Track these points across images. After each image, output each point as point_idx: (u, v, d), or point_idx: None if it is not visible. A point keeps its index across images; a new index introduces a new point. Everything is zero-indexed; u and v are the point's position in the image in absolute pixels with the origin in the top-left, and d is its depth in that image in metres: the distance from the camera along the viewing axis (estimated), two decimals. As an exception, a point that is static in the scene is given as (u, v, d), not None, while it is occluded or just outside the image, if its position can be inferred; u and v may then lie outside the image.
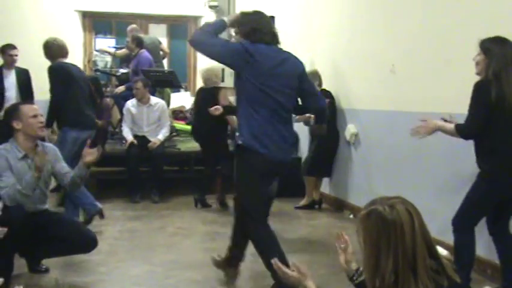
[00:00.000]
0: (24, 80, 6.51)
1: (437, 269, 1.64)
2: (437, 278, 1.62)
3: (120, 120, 6.96)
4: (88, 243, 3.54)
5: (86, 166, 3.51)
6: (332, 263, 3.39)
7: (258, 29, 3.20)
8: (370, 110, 5.32)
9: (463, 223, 3.21)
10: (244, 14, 3.33)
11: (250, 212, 3.23)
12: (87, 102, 5.07)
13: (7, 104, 6.40)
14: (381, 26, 5.11)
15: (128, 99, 6.60)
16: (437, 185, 4.20)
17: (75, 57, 8.55)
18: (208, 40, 3.13)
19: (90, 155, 3.48)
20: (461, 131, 3.16)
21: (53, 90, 4.90)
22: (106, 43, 8.48)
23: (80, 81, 5.01)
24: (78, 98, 4.91)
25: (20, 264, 3.58)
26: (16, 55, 6.45)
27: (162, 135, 6.33)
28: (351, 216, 5.55)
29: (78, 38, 8.76)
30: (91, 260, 3.94)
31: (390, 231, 1.62)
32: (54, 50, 4.95)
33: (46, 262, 3.71)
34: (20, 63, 6.67)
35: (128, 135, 6.28)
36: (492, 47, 3.08)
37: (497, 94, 2.99)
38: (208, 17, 8.96)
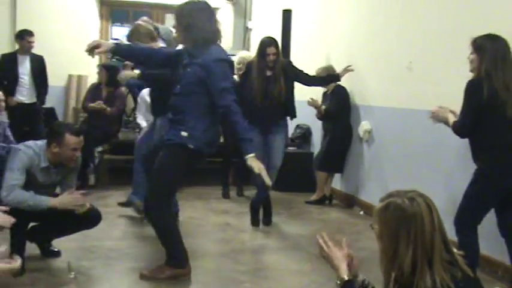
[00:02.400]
0: (39, 66, 6.56)
1: (452, 261, 1.65)
2: (452, 270, 1.63)
3: (134, 109, 6.99)
4: (91, 218, 3.49)
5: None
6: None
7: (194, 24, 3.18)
8: (384, 107, 5.30)
9: (463, 222, 3.20)
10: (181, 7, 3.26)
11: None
12: None
13: (21, 89, 6.47)
14: (398, 23, 5.08)
15: (142, 88, 6.62)
16: (450, 184, 4.18)
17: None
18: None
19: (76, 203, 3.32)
20: (456, 130, 3.20)
21: None
22: (122, 32, 8.50)
23: None
24: None
25: (31, 247, 3.62)
26: (33, 42, 6.49)
27: None
28: (362, 212, 5.55)
29: (95, 26, 8.80)
30: (103, 245, 3.99)
31: (411, 223, 1.63)
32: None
33: (59, 246, 3.76)
34: (38, 50, 6.72)
35: (142, 122, 6.31)
36: (484, 44, 3.10)
37: (488, 91, 3.01)
38: (225, 8, 8.95)
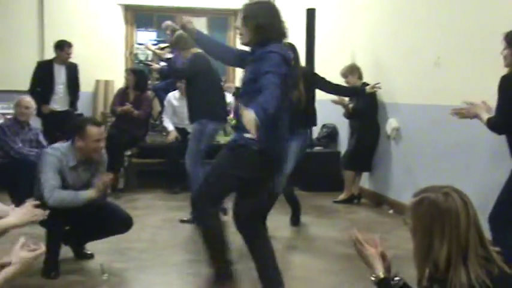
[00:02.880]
0: (73, 74, 6.63)
1: (487, 257, 1.63)
2: (488, 266, 1.61)
3: (161, 112, 7.06)
4: (124, 221, 3.59)
5: (99, 191, 3.46)
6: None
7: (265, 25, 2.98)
8: (412, 104, 5.24)
9: (499, 219, 3.15)
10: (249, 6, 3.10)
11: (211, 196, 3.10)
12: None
13: (56, 97, 6.56)
14: (424, 18, 5.02)
15: (168, 92, 6.69)
16: (482, 181, 4.11)
17: (117, 50, 8.74)
18: (272, 103, 2.76)
19: (104, 180, 3.44)
20: (492, 127, 3.12)
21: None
22: (147, 36, 8.60)
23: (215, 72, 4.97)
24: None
25: (65, 250, 3.69)
26: (71, 53, 6.54)
27: None
28: (391, 211, 5.50)
29: (120, 31, 8.91)
30: (134, 247, 4.03)
31: (445, 218, 1.61)
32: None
33: (91, 248, 3.82)
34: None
35: (169, 125, 6.40)
36: None
37: None
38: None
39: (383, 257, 1.94)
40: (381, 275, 1.87)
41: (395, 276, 1.91)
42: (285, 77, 2.94)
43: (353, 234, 1.98)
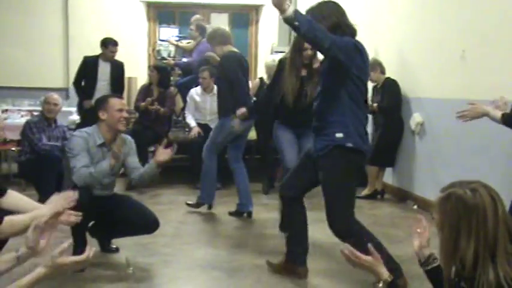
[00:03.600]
0: (118, 72, 6.66)
1: None
2: None
3: (183, 109, 7.10)
4: (150, 224, 3.63)
5: (157, 165, 3.58)
6: (397, 252, 3.34)
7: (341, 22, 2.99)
8: (437, 99, 5.18)
9: None
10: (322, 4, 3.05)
11: (348, 210, 3.12)
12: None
13: (98, 93, 6.61)
14: (449, 11, 4.95)
15: (190, 88, 6.72)
16: (506, 178, 4.05)
17: (140, 47, 8.81)
18: (323, 32, 2.76)
19: (164, 154, 3.55)
20: (508, 123, 3.07)
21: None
22: (169, 32, 8.63)
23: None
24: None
25: (92, 243, 3.73)
26: (116, 51, 6.58)
27: None
28: (415, 207, 5.45)
29: (143, 28, 8.98)
30: (157, 241, 4.07)
31: (472, 215, 1.59)
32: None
33: (116, 242, 3.87)
34: (87, 52, 6.89)
35: (192, 121, 6.43)
36: None
37: None
38: (269, 4, 8.93)
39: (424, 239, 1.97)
40: (388, 278, 1.89)
41: (429, 255, 1.92)
42: (358, 69, 2.95)
43: (342, 252, 1.98)
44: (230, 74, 4.72)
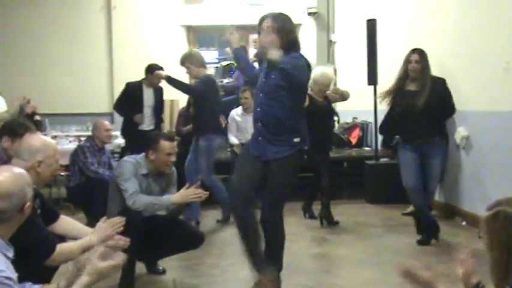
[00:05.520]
0: (158, 97, 6.78)
1: None
2: None
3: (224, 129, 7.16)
4: (196, 239, 3.69)
5: (186, 205, 3.68)
6: (447, 272, 3.26)
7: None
8: (481, 111, 5.07)
9: None
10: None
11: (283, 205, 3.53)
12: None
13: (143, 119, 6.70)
14: (491, 22, 4.86)
15: (231, 107, 6.79)
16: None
17: (181, 70, 8.97)
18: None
19: (192, 195, 3.56)
20: None
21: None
22: (209, 55, 8.79)
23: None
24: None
25: (139, 266, 3.80)
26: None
27: None
28: (463, 223, 5.31)
29: (183, 51, 9.16)
30: (204, 262, 4.11)
31: None
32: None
33: (163, 264, 3.92)
34: (132, 77, 7.05)
35: (235, 140, 6.48)
36: None
37: None
38: (307, 22, 8.99)
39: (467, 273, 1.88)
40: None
41: (477, 282, 1.86)
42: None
43: (399, 270, 1.94)
44: (212, 92, 5.38)
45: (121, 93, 6.77)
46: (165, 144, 3.59)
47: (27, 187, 1.97)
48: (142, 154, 3.66)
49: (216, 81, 5.54)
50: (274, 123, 3.34)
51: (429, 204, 4.96)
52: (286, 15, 3.47)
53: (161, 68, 6.61)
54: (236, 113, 6.62)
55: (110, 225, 2.58)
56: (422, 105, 4.48)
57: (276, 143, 3.35)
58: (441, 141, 4.82)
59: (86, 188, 5.14)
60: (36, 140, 2.64)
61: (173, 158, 3.62)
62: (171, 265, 3.94)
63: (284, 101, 3.30)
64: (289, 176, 3.42)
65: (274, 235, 3.44)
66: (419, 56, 4.61)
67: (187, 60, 5.49)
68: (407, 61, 4.64)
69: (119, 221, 2.61)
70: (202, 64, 5.55)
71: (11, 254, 1.93)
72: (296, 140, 3.36)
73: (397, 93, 4.67)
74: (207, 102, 5.33)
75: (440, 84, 4.75)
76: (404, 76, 4.67)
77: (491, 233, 1.62)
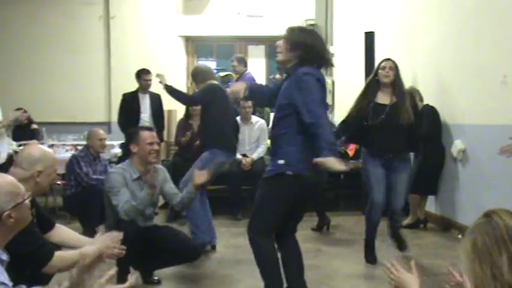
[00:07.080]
0: (157, 104, 6.80)
1: None
2: None
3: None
4: (192, 252, 3.69)
5: (196, 188, 3.66)
6: (443, 285, 3.25)
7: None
8: (478, 125, 5.09)
9: None
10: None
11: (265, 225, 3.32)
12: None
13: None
14: (489, 36, 4.89)
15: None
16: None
17: (179, 80, 9.00)
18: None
19: (200, 177, 3.62)
20: None
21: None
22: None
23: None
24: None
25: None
26: (150, 80, 6.63)
27: (256, 154, 6.51)
28: (460, 236, 5.30)
29: (182, 61, 9.21)
30: (199, 273, 4.09)
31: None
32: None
33: (158, 274, 3.90)
34: (129, 87, 7.06)
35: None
36: None
37: None
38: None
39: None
40: None
41: None
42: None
43: (386, 262, 1.95)
44: (217, 102, 4.76)
45: (119, 106, 6.79)
46: (144, 134, 3.65)
47: (4, 196, 1.89)
48: (128, 160, 3.69)
49: (222, 89, 4.91)
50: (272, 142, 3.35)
51: (398, 227, 4.73)
52: (299, 28, 3.48)
53: (148, 71, 6.64)
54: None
55: (108, 238, 2.57)
56: (405, 122, 4.26)
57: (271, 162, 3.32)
58: (409, 156, 4.68)
59: (82, 197, 5.13)
60: (36, 149, 2.64)
61: (156, 147, 3.65)
62: (166, 275, 3.92)
63: (286, 121, 3.20)
64: (268, 198, 3.23)
65: (254, 253, 3.34)
66: (393, 63, 4.43)
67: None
68: (379, 68, 4.39)
69: (117, 235, 2.60)
70: (206, 79, 4.91)
71: (5, 257, 1.91)
72: (280, 162, 3.16)
73: (369, 103, 4.36)
74: (211, 113, 4.79)
75: (412, 99, 4.66)
76: (373, 84, 4.41)
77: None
